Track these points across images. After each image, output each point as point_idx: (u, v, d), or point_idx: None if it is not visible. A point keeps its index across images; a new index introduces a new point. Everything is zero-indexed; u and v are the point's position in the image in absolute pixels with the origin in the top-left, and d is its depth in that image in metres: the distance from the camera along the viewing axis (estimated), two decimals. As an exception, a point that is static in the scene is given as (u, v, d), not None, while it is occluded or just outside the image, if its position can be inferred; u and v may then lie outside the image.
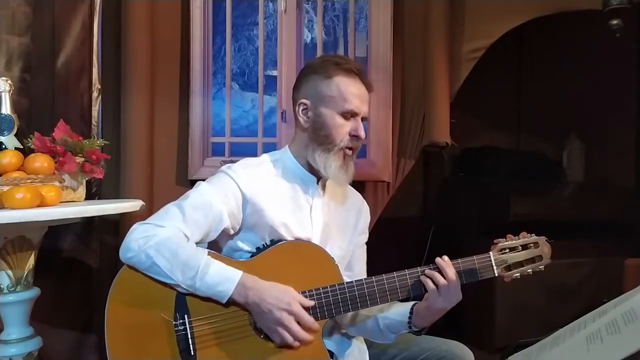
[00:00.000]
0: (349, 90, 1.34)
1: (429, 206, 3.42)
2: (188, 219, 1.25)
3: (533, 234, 1.36)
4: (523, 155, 3.40)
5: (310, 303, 1.24)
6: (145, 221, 1.26)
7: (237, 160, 1.43)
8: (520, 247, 1.34)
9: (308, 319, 1.22)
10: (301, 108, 1.38)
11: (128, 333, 1.22)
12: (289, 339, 1.21)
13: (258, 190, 1.33)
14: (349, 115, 1.34)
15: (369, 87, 1.39)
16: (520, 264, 1.33)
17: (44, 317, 1.84)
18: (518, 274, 1.33)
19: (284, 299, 1.21)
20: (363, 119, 1.37)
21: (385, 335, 1.39)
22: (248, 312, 1.24)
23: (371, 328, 1.40)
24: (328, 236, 1.40)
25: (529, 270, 1.34)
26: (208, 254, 1.24)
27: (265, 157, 1.44)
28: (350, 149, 1.36)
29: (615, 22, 1.96)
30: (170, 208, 1.28)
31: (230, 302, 1.22)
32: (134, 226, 1.25)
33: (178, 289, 1.22)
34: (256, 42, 2.30)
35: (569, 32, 2.99)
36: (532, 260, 1.34)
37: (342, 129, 1.34)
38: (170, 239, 1.21)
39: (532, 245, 1.34)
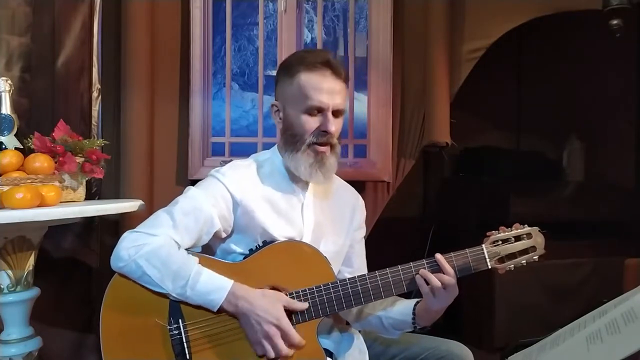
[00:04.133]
0: (311, 85, 1.29)
1: (429, 206, 3.42)
2: (178, 225, 1.25)
3: (526, 225, 1.34)
4: (523, 155, 3.40)
5: (304, 306, 1.24)
6: (136, 229, 1.26)
7: (236, 161, 1.43)
8: (513, 239, 1.31)
9: (294, 336, 1.20)
10: (273, 110, 1.39)
11: (123, 338, 1.22)
12: (272, 354, 1.20)
13: (247, 192, 1.33)
14: (314, 111, 1.31)
15: (340, 76, 1.32)
16: (513, 255, 1.31)
17: (44, 317, 1.84)
18: (512, 266, 1.31)
19: (274, 313, 1.19)
20: (337, 113, 1.32)
21: (390, 332, 1.40)
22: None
23: (376, 325, 1.42)
24: (321, 233, 1.40)
25: (522, 262, 1.31)
26: (199, 261, 1.23)
27: (253, 159, 1.44)
28: (321, 144, 1.32)
29: (615, 22, 1.96)
30: (160, 215, 1.28)
31: (221, 311, 1.21)
32: (124, 234, 1.25)
33: (169, 297, 1.22)
34: (256, 42, 2.30)
35: (569, 32, 2.99)
36: (525, 251, 1.32)
37: (308, 125, 1.31)
38: (161, 248, 1.21)
39: (525, 236, 1.32)
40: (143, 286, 1.22)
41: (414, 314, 1.34)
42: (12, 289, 1.58)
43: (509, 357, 1.33)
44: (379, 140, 2.23)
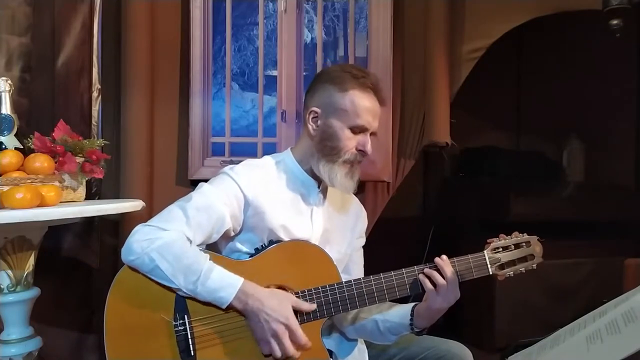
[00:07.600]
0: (363, 105, 1.33)
1: (429, 206, 3.42)
2: (191, 222, 1.25)
3: (525, 234, 1.39)
4: (523, 155, 3.40)
5: (312, 307, 1.25)
6: (148, 223, 1.25)
7: (237, 161, 1.43)
8: (513, 246, 1.36)
9: (302, 336, 1.21)
10: (311, 116, 1.38)
11: (127, 333, 1.22)
12: (278, 353, 1.20)
13: (259, 192, 1.33)
14: (358, 130, 1.34)
15: (381, 102, 1.38)
16: (513, 262, 1.36)
17: (44, 317, 1.84)
18: (511, 273, 1.36)
19: (283, 312, 1.20)
20: (372, 134, 1.37)
21: (386, 337, 1.39)
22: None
23: (371, 330, 1.40)
24: (327, 240, 1.40)
25: (521, 269, 1.36)
26: (210, 259, 1.24)
27: (267, 159, 1.43)
28: (357, 162, 1.36)
29: (615, 22, 1.96)
30: (173, 209, 1.28)
31: (229, 308, 1.22)
32: (137, 228, 1.24)
33: (178, 292, 1.22)
34: (256, 42, 2.31)
35: (569, 32, 2.99)
36: (524, 259, 1.37)
37: (350, 142, 1.34)
38: (174, 243, 1.21)
39: (524, 244, 1.37)
40: (153, 280, 1.21)
41: (412, 315, 1.34)
42: (12, 289, 1.58)
43: (509, 357, 1.34)
44: (379, 140, 2.22)
